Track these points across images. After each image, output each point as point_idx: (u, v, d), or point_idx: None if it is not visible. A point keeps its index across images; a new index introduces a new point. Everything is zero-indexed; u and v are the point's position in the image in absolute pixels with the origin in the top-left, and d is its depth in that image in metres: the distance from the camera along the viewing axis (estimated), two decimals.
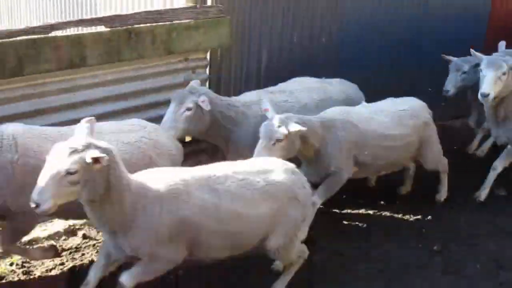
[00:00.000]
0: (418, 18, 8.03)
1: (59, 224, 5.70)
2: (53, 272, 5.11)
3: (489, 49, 8.12)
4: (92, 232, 5.73)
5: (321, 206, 6.09)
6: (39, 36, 4.86)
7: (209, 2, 6.02)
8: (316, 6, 6.89)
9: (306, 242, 5.57)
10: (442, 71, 7.43)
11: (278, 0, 6.53)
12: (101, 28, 5.21)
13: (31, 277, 5.05)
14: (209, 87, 6.21)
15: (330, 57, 7.06)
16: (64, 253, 5.39)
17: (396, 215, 6.30)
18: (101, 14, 5.37)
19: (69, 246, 5.49)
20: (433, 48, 8.11)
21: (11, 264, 5.18)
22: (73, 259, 5.30)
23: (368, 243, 5.79)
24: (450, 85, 7.19)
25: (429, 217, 6.30)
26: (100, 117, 5.35)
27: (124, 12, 5.48)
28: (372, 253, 5.62)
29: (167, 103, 5.85)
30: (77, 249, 5.46)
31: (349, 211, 6.38)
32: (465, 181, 6.99)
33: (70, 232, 5.71)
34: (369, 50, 7.63)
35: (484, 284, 5.24)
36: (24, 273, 5.08)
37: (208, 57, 6.15)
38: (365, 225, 6.11)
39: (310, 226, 5.58)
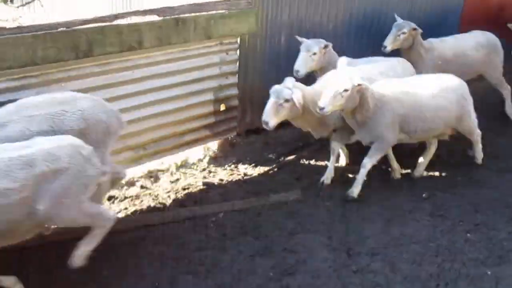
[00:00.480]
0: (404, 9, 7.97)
1: None
2: (119, 215, 5.27)
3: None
4: (148, 183, 5.87)
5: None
6: (105, 23, 4.92)
7: None
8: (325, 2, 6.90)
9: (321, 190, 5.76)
10: None
11: None
12: (154, 18, 5.25)
13: None
14: (239, 66, 6.26)
15: (335, 42, 7.04)
16: (126, 200, 5.55)
17: (390, 169, 6.38)
18: (148, 7, 5.38)
19: (130, 194, 5.63)
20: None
21: None
22: (134, 205, 5.46)
23: (369, 190, 5.88)
24: (302, 66, 6.14)
25: None
26: (153, 91, 5.52)
27: (171, 4, 5.50)
28: (372, 199, 5.72)
29: (206, 78, 5.98)
30: (137, 197, 5.61)
31: (352, 166, 6.47)
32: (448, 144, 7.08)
33: (130, 183, 5.83)
34: (363, 37, 7.62)
35: (464, 224, 5.35)
36: None
37: (238, 41, 6.16)
38: (365, 177, 6.18)
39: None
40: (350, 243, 4.97)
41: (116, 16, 5.03)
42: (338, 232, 5.13)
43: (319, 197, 5.75)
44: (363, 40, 7.49)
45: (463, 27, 8.56)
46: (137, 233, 4.98)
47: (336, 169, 6.22)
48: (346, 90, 5.14)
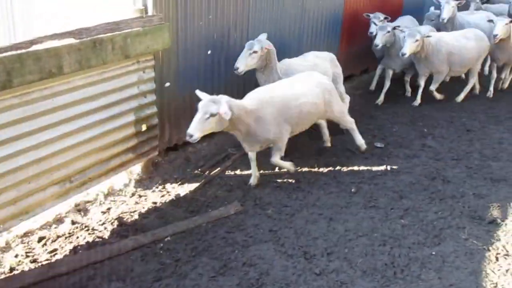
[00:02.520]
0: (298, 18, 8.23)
1: (47, 215, 5.26)
2: (56, 257, 4.76)
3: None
4: (78, 217, 5.36)
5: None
6: (22, 50, 4.38)
7: (150, 13, 5.75)
8: (229, 11, 6.84)
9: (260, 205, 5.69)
10: None
11: (202, 9, 6.38)
12: (71, 40, 4.79)
13: (38, 264, 4.65)
14: (155, 83, 5.96)
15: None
16: (59, 239, 5.01)
17: (313, 170, 6.52)
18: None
19: (61, 233, 5.09)
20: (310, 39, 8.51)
21: (16, 256, 4.73)
22: (70, 242, 4.95)
23: (302, 193, 5.94)
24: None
25: (337, 167, 6.58)
26: (76, 118, 5.07)
27: (87, 25, 5.06)
28: (309, 201, 5.79)
29: (126, 100, 5.61)
30: (70, 234, 5.09)
31: (276, 170, 6.49)
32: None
33: (58, 220, 5.29)
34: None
35: (395, 211, 5.61)
36: (31, 261, 4.67)
37: (153, 58, 5.87)
38: (294, 180, 6.25)
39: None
40: (303, 247, 4.96)
41: (32, 42, 4.52)
42: (288, 238, 5.10)
43: (258, 205, 5.68)
44: None
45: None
46: (84, 273, 4.52)
47: (264, 181, 6.24)
48: None
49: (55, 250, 4.83)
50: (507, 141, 7.55)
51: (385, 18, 8.98)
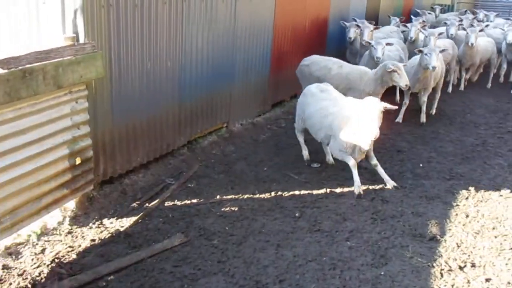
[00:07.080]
0: (230, 44, 8.22)
1: None
2: None
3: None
4: (9, 261, 4.92)
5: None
6: None
7: (81, 40, 5.50)
8: (162, 38, 6.71)
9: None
10: None
11: (135, 35, 6.21)
12: None
13: None
14: (88, 114, 5.68)
15: (174, 77, 6.92)
16: None
17: (254, 196, 6.44)
18: None
19: None
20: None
21: None
22: None
23: (247, 220, 5.83)
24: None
25: (279, 193, 6.56)
26: (6, 153, 4.70)
27: (16, 54, 4.73)
28: (254, 228, 5.68)
29: (59, 132, 5.29)
30: (2, 280, 4.65)
31: (224, 197, 6.36)
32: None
33: None
34: (201, 71, 7.64)
35: (340, 234, 5.64)
36: None
37: (86, 88, 5.60)
38: (236, 208, 6.14)
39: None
40: (254, 276, 4.85)
41: None
42: (237, 268, 4.96)
43: (203, 236, 5.51)
44: (196, 73, 7.48)
45: None
46: None
47: (207, 209, 6.09)
48: None
49: None
50: (435, 160, 7.88)
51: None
